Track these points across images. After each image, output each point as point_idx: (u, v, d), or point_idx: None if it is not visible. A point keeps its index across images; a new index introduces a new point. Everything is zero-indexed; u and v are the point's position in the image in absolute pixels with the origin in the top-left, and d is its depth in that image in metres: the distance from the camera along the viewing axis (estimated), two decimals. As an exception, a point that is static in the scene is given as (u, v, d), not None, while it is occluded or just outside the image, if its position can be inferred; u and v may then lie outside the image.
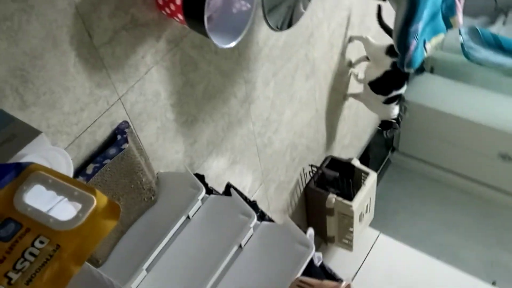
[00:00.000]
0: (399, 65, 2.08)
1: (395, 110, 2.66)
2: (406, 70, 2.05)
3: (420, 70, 3.64)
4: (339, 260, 3.10)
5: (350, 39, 2.59)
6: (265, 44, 1.87)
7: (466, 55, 3.21)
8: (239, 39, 1.36)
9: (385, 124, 2.77)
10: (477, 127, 3.40)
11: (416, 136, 3.87)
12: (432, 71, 3.84)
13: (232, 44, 1.36)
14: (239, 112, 1.91)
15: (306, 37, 2.14)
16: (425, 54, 2.07)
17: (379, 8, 2.46)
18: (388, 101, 2.59)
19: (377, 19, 2.48)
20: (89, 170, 1.29)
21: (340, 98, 2.76)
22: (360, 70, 2.74)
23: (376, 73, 2.48)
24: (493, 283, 3.08)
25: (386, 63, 2.41)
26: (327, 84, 2.53)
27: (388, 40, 2.33)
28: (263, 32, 1.83)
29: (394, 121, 2.73)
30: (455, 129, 3.57)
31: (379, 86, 2.51)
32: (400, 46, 2.03)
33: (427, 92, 3.63)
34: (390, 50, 2.37)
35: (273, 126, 2.20)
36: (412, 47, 1.99)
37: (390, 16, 2.14)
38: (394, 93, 2.53)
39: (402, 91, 2.57)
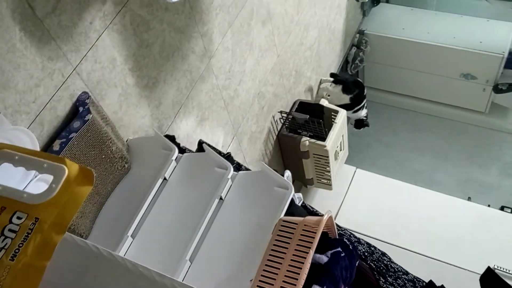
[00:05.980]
0: None
1: (362, 112, 3.23)
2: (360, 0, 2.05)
3: (376, 1, 3.63)
4: (321, 200, 3.17)
5: (321, 81, 3.25)
6: (216, -6, 1.83)
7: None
8: (188, -10, 1.32)
9: (358, 123, 3.36)
10: (438, 49, 3.45)
11: (380, 68, 3.90)
12: (387, 0, 3.84)
13: (181, -3, 1.32)
14: (200, 68, 1.88)
15: (257, -19, 2.09)
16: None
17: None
18: (355, 112, 3.18)
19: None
20: (56, 146, 1.26)
21: (300, 41, 2.74)
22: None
23: (339, 102, 3.06)
24: (469, 199, 3.23)
25: (345, 99, 3.06)
26: (285, 28, 2.50)
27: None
28: (212, -18, 1.78)
29: (364, 118, 3.30)
30: (417, 55, 3.61)
31: (344, 107, 2.96)
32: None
33: (386, 22, 3.64)
34: (345, 89, 3.05)
35: (237, 77, 2.18)
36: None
37: None
38: (357, 107, 3.13)
39: (363, 103, 3.17)
